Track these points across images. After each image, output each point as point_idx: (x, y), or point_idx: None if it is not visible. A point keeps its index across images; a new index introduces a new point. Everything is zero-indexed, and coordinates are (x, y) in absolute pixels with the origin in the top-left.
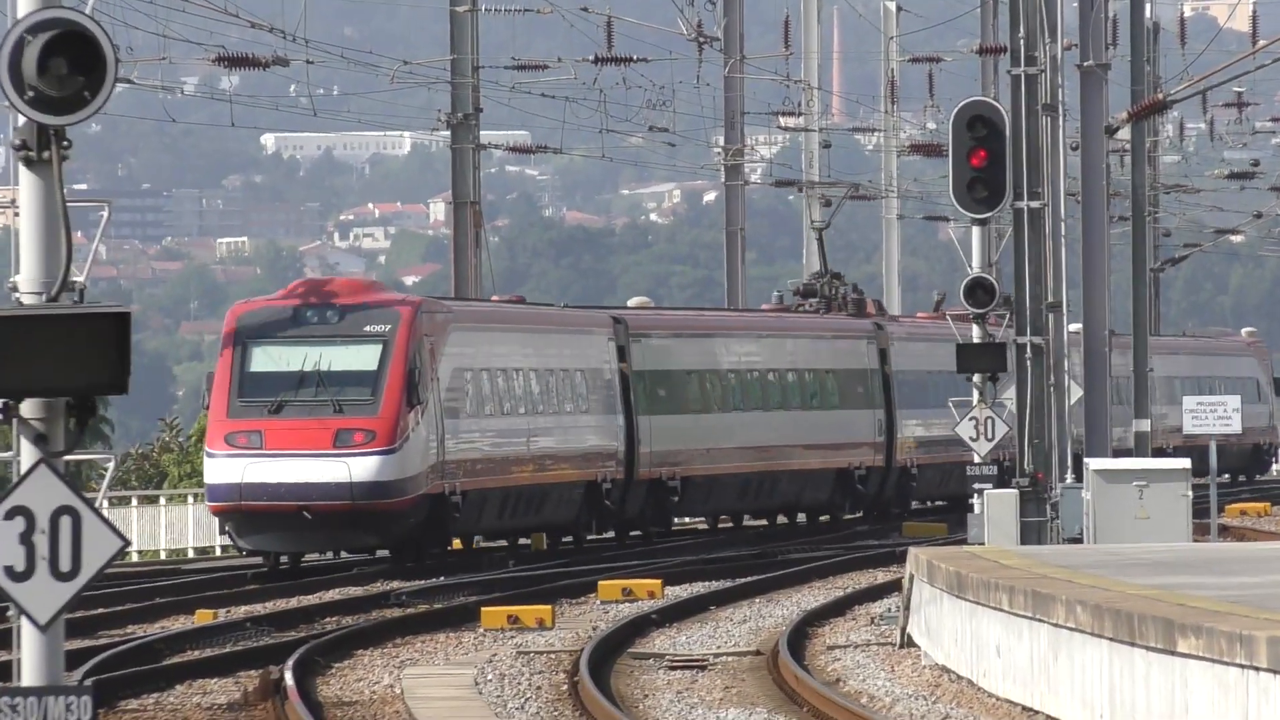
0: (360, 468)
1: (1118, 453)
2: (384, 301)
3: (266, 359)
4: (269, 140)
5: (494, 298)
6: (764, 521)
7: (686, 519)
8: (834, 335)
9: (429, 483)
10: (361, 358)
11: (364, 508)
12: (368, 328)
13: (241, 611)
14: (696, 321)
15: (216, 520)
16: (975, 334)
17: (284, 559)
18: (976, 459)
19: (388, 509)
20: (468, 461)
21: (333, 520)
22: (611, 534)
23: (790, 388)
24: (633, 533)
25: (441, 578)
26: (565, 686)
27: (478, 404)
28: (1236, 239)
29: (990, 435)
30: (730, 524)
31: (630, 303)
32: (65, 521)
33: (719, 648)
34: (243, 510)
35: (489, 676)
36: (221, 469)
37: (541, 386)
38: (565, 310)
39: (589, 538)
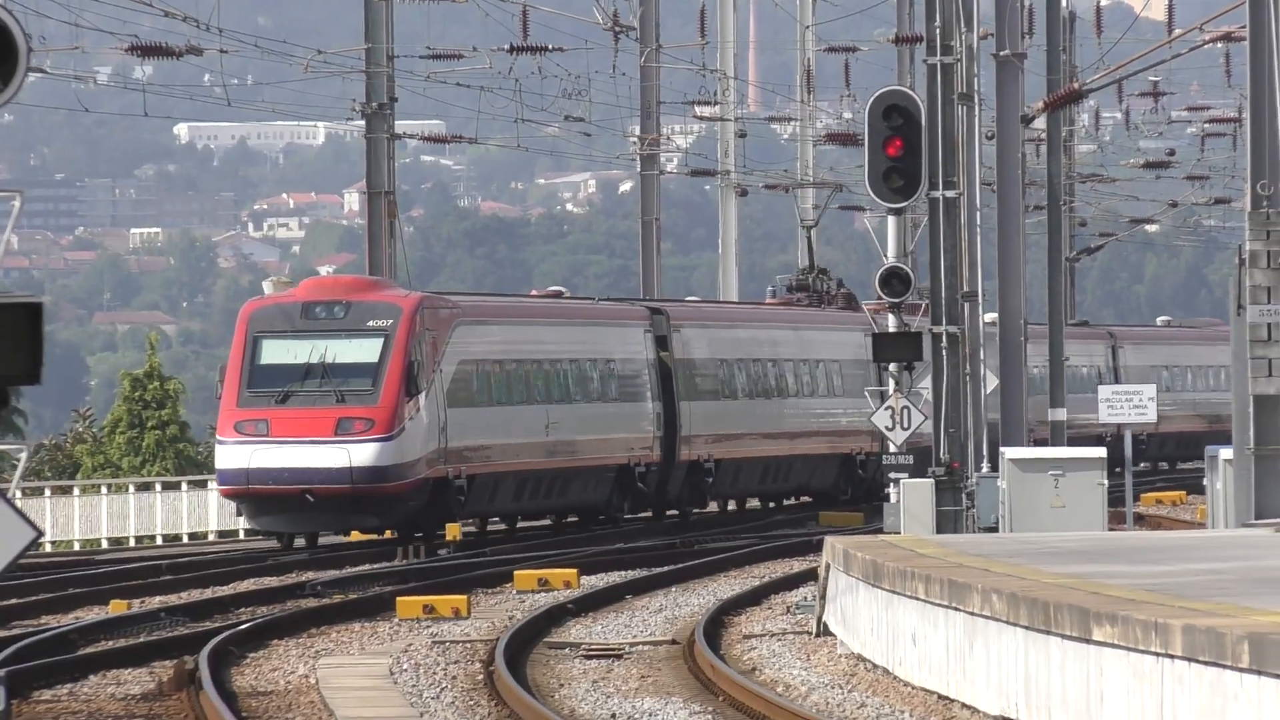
0: (359, 453)
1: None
2: (386, 299)
3: (274, 352)
4: (183, 130)
5: (533, 292)
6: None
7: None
8: (837, 328)
9: (429, 467)
10: (363, 351)
11: (363, 491)
12: (370, 323)
13: (156, 602)
14: (728, 313)
15: (132, 511)
16: (891, 323)
17: (300, 539)
18: (892, 448)
19: (386, 492)
20: (474, 447)
21: (334, 503)
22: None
23: (803, 377)
24: (669, 513)
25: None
26: (481, 676)
27: (486, 393)
28: (1152, 228)
29: (906, 424)
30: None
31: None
32: None
33: (635, 637)
34: (250, 494)
35: (404, 666)
36: (231, 455)
37: (565, 376)
38: (599, 303)
39: (626, 517)
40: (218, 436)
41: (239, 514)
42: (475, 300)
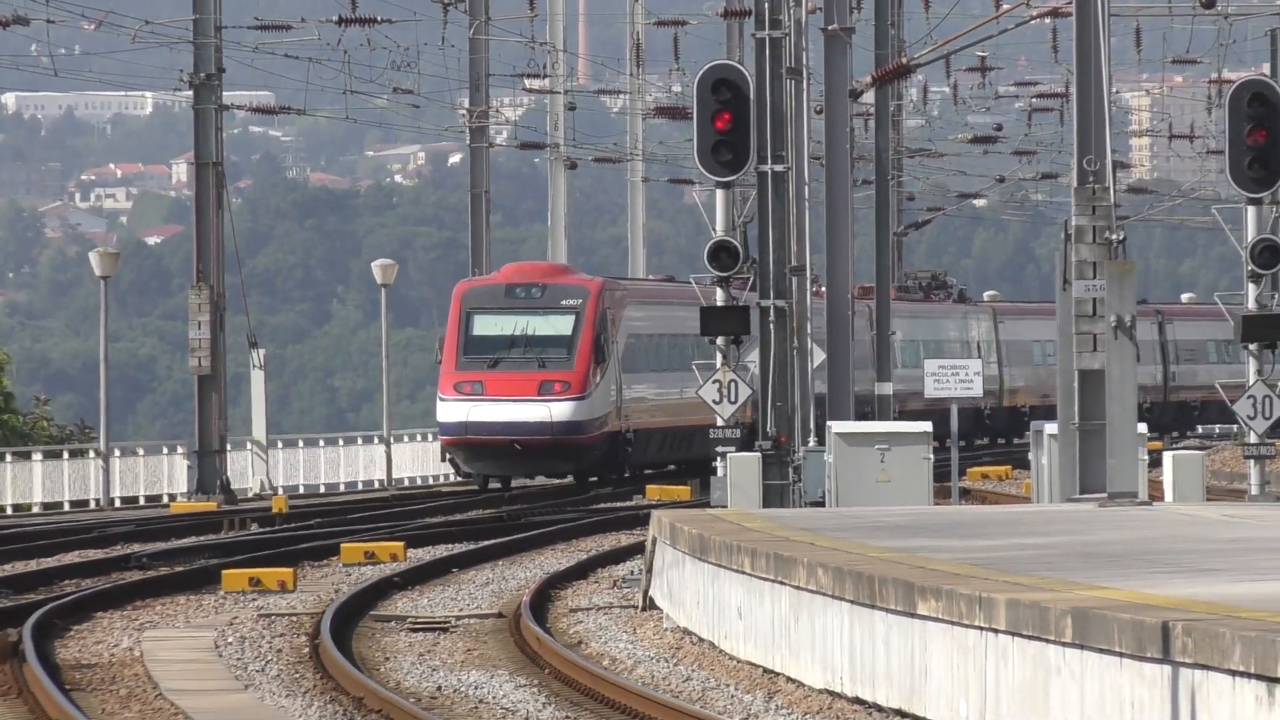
0: (559, 410)
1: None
2: (576, 282)
3: (484, 325)
4: (9, 99)
5: (692, 278)
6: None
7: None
8: (947, 315)
9: (610, 423)
10: (559, 325)
11: (561, 441)
12: (564, 301)
13: None
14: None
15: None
16: (719, 297)
17: (494, 482)
18: (719, 422)
19: (579, 443)
20: (639, 407)
21: (537, 451)
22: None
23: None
24: None
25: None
26: (306, 649)
27: (649, 361)
28: (979, 203)
29: (734, 398)
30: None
31: (374, 265)
32: None
33: (461, 610)
34: (468, 443)
35: (229, 639)
36: (451, 410)
37: (705, 348)
38: None
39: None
40: (440, 395)
41: (443, 459)
42: (640, 284)
